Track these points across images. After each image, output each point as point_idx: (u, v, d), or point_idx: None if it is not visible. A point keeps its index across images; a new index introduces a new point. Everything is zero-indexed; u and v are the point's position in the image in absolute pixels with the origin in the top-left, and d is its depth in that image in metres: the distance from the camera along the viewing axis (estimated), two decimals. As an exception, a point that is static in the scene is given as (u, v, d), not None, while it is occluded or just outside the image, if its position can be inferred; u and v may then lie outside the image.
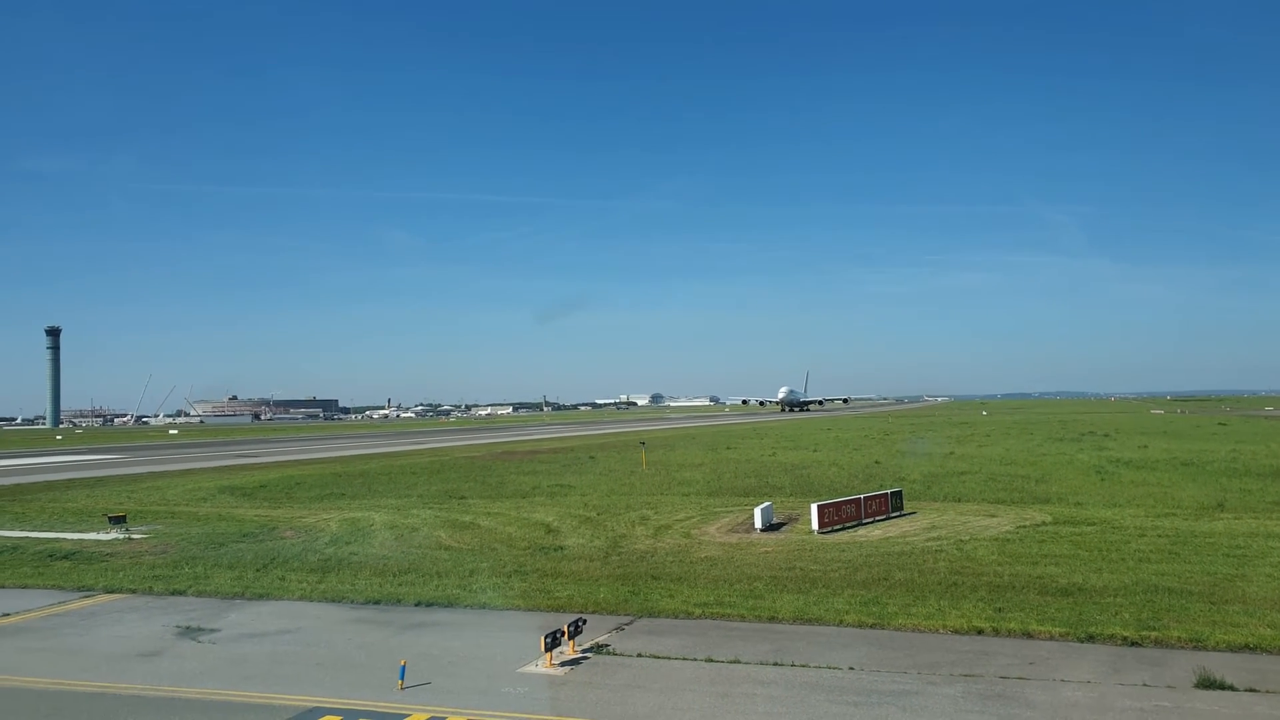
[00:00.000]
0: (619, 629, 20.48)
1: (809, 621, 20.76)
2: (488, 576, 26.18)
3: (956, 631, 19.64)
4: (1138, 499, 40.20)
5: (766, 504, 34.96)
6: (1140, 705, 14.97)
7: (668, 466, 61.08)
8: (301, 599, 24.30)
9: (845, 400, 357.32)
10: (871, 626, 20.21)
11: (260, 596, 24.63)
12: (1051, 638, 19.05)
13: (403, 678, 16.50)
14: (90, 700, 16.14)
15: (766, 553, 28.93)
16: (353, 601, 23.83)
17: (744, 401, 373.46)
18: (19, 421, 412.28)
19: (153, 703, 15.88)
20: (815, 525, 32.71)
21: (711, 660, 17.79)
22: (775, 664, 17.45)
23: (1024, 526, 32.79)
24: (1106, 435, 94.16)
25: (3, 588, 26.45)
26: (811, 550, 29.15)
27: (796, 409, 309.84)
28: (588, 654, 18.44)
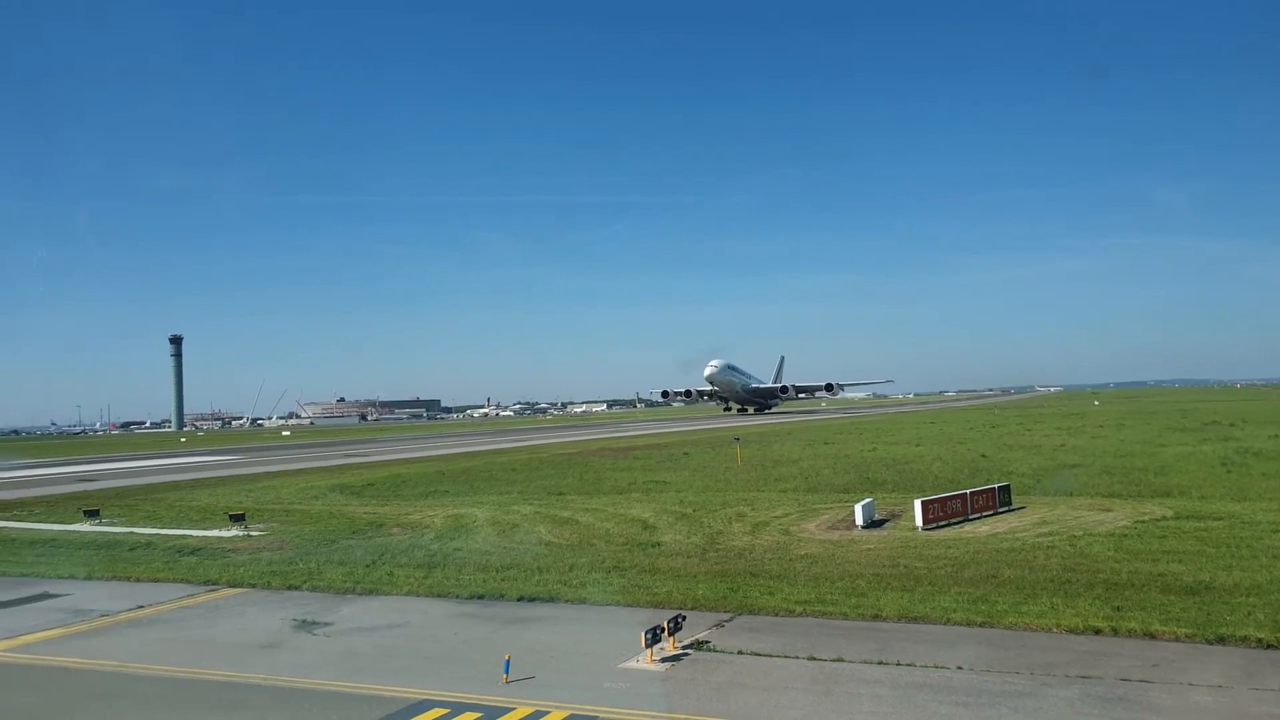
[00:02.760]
0: (719, 626, 20.39)
1: (914, 620, 20.26)
2: (587, 572, 26.45)
3: (1071, 631, 18.87)
4: (1270, 492, 37.85)
5: (868, 500, 34.30)
6: (1278, 712, 14.09)
7: (764, 462, 60.58)
8: (409, 594, 25.02)
9: (829, 389, 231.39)
10: (980, 625, 19.60)
11: (370, 591, 25.46)
12: (1176, 639, 18.09)
13: (507, 671, 16.81)
14: (218, 688, 16.97)
15: (868, 550, 28.38)
16: (458, 596, 24.40)
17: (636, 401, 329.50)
18: (147, 425, 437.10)
19: (273, 692, 16.59)
20: (919, 521, 31.93)
21: (814, 659, 17.54)
22: (880, 663, 17.09)
23: (1142, 521, 31.27)
24: (1232, 424, 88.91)
25: (139, 581, 28.02)
26: (915, 547, 28.46)
27: (744, 405, 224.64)
28: (688, 650, 18.43)
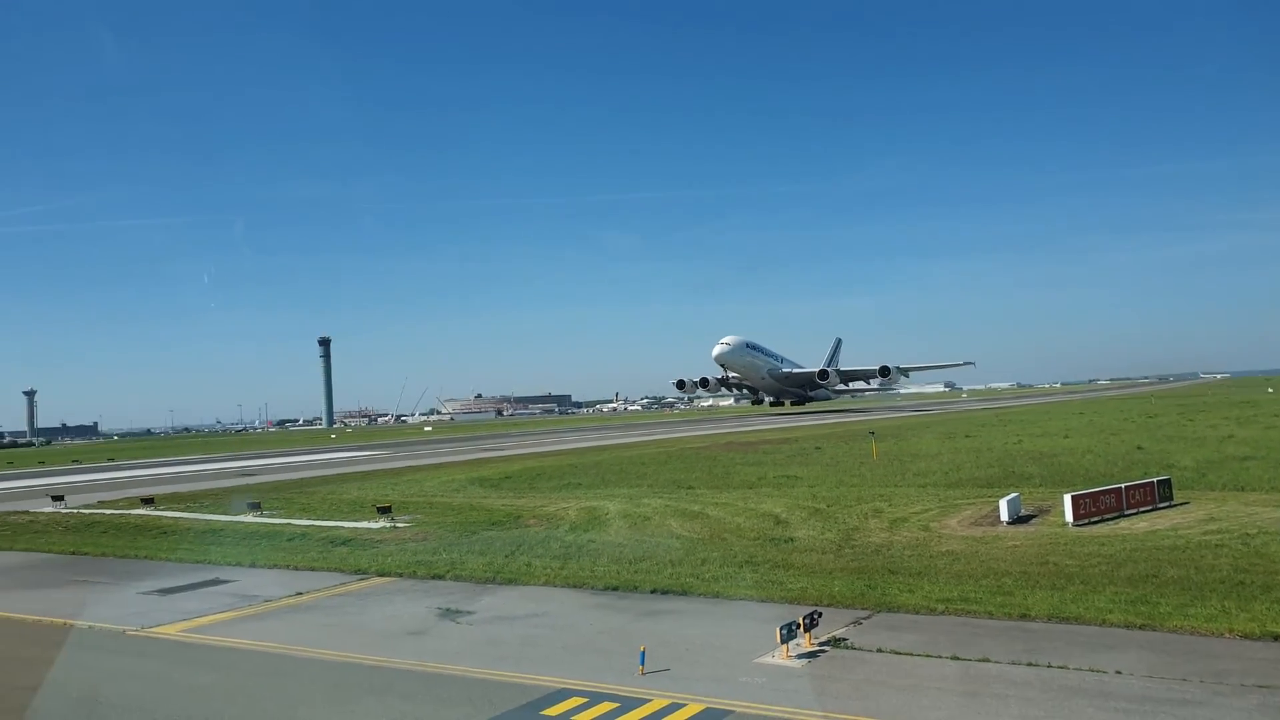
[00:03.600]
0: (856, 623, 19.97)
1: (1066, 620, 19.27)
2: (719, 566, 26.39)
3: (1246, 636, 17.51)
4: None
5: (1013, 495, 32.85)
6: None
7: (900, 457, 58.93)
8: (546, 584, 25.61)
9: (884, 373, 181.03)
10: (1140, 628, 18.44)
11: (509, 581, 26.19)
12: (1368, 647, 16.53)
13: (643, 663, 16.96)
14: (369, 672, 17.83)
15: (1015, 546, 27.18)
16: (593, 588, 24.80)
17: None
18: (300, 422, 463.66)
19: (421, 677, 17.29)
20: (1069, 517, 30.34)
21: (958, 658, 16.93)
22: (1029, 664, 16.33)
23: (1326, 519, 28.73)
24: None
25: (297, 569, 29.75)
26: (1066, 544, 27.07)
27: (778, 397, 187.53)
28: (825, 647, 18.12)
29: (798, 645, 17.89)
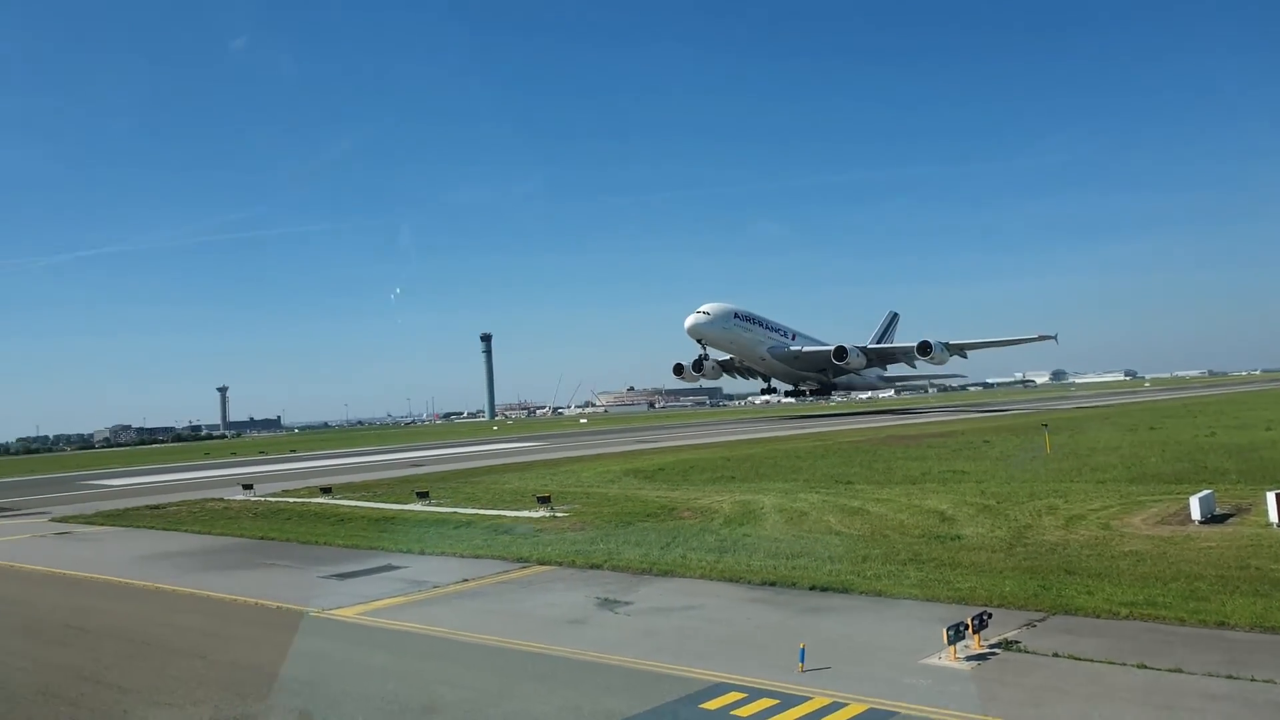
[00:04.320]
0: (1029, 625, 18.86)
1: (1273, 630, 17.54)
2: (881, 563, 25.57)
3: None
4: None
5: (1206, 492, 30.25)
6: None
7: (1076, 451, 55.47)
8: (701, 577, 25.56)
9: (924, 350, 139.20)
10: (1364, 642, 16.55)
11: (665, 573, 26.31)
12: None
13: (802, 660, 16.61)
14: (532, 659, 18.29)
15: (1208, 548, 25.00)
16: (749, 582, 24.54)
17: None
18: (464, 415, 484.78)
19: (581, 665, 17.59)
20: (1274, 517, 27.64)
21: (1145, 667, 15.68)
22: (1229, 677, 14.93)
23: None
24: None
25: (462, 556, 30.97)
26: (1270, 546, 24.67)
27: (795, 383, 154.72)
28: (995, 650, 17.20)
29: (966, 647, 17.06)
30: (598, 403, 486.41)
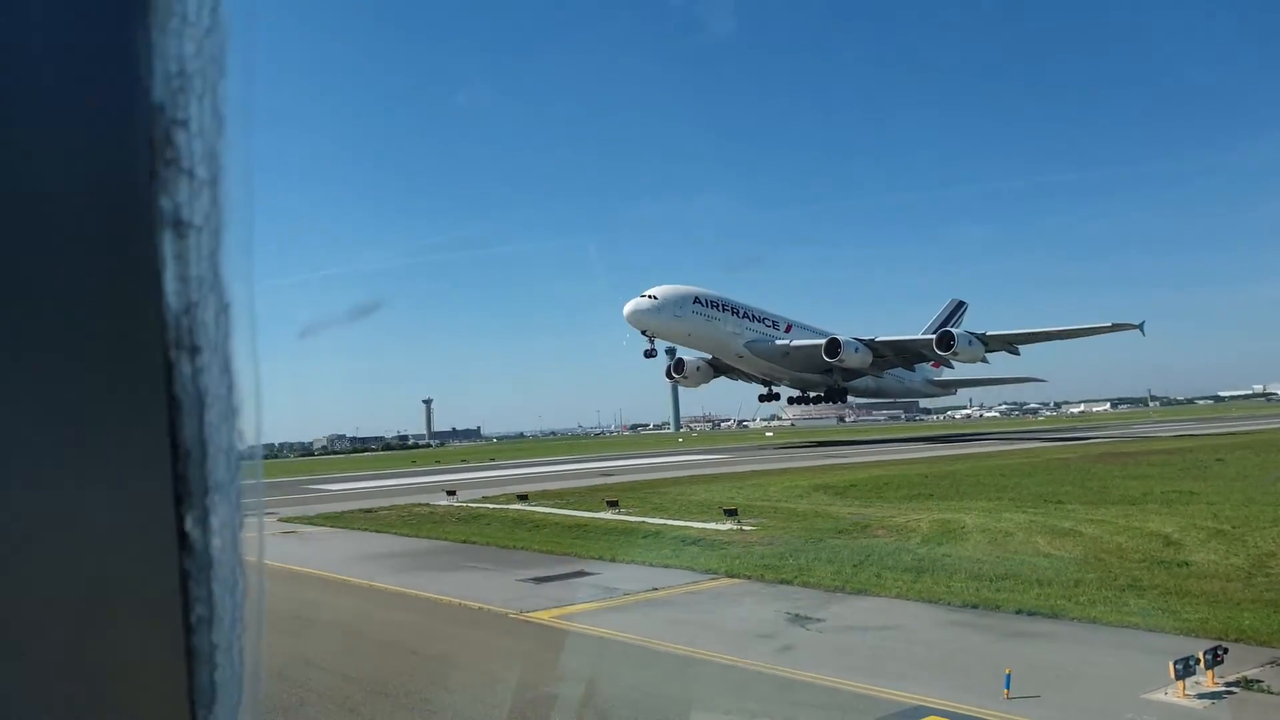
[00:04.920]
0: (1274, 664, 16.90)
1: None
2: (1096, 589, 23.71)
3: None
4: None
5: None
6: None
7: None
8: (898, 597, 24.62)
9: (944, 343, 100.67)
10: None
11: (859, 591, 25.54)
12: None
13: (1008, 686, 15.64)
14: (723, 670, 18.24)
15: None
16: (948, 604, 23.41)
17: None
18: (650, 427, 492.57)
19: (772, 680, 17.35)
20: None
21: None
22: None
23: None
24: None
25: (651, 565, 31.37)
26: None
27: (804, 387, 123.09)
28: (1233, 689, 15.53)
29: (1197, 684, 15.49)
30: (784, 416, 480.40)
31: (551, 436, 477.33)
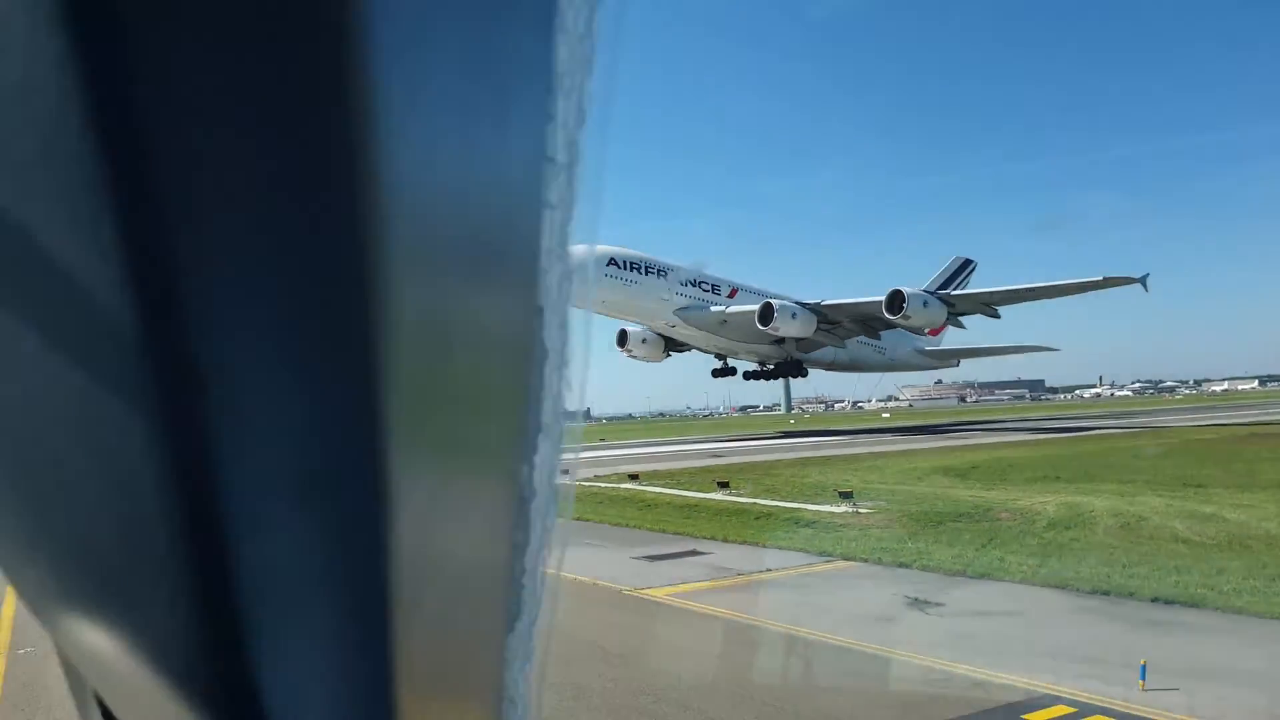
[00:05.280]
0: None
1: None
2: (1242, 578, 22.24)
3: None
4: None
5: None
6: None
7: None
8: (1022, 581, 23.73)
9: (894, 307, 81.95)
10: None
11: (980, 576, 24.75)
12: None
13: (1143, 678, 14.85)
14: (839, 652, 17.97)
15: None
16: (1076, 590, 22.42)
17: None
18: (761, 408, 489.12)
19: (893, 663, 17.00)
20: None
21: None
22: None
23: None
24: None
25: (764, 546, 31.19)
26: None
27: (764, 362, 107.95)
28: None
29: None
30: (901, 397, 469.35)
31: (660, 418, 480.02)
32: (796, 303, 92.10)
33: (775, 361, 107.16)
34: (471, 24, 0.83)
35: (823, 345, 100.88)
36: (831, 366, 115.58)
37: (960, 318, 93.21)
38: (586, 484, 56.10)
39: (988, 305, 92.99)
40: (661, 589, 24.44)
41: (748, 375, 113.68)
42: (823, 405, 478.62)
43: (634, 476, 56.38)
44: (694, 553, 30.50)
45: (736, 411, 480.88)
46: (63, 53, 0.63)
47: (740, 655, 18.41)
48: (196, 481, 0.77)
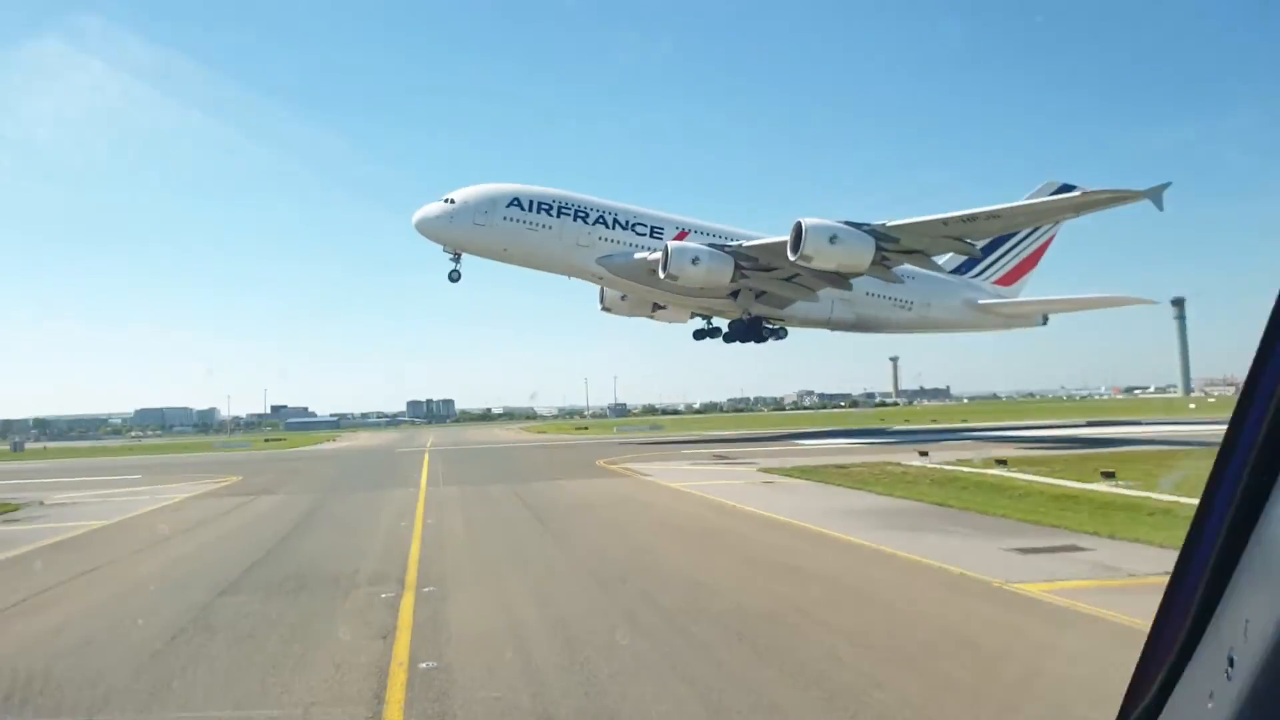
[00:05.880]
0: None
1: None
2: None
3: None
4: None
5: None
6: None
7: None
8: None
9: (795, 246, 66.73)
10: None
11: None
12: None
13: None
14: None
15: None
16: None
17: None
18: (1151, 390, 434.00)
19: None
20: None
21: None
22: None
23: None
24: None
25: (1162, 547, 27.70)
26: None
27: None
28: None
29: None
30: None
31: (1029, 398, 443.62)
32: (709, 245, 76.39)
33: (732, 319, 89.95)
34: None
35: (791, 299, 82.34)
36: (832, 326, 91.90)
37: (915, 256, 72.84)
38: (948, 468, 53.77)
39: (958, 240, 71.76)
40: (1037, 584, 22.65)
41: (698, 335, 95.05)
42: (1230, 387, 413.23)
43: (1001, 461, 52.94)
44: (1074, 548, 27.89)
45: (1120, 392, 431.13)
46: None
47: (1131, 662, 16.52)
48: None
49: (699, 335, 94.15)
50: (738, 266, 74.43)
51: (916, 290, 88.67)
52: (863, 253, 69.53)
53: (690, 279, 73.58)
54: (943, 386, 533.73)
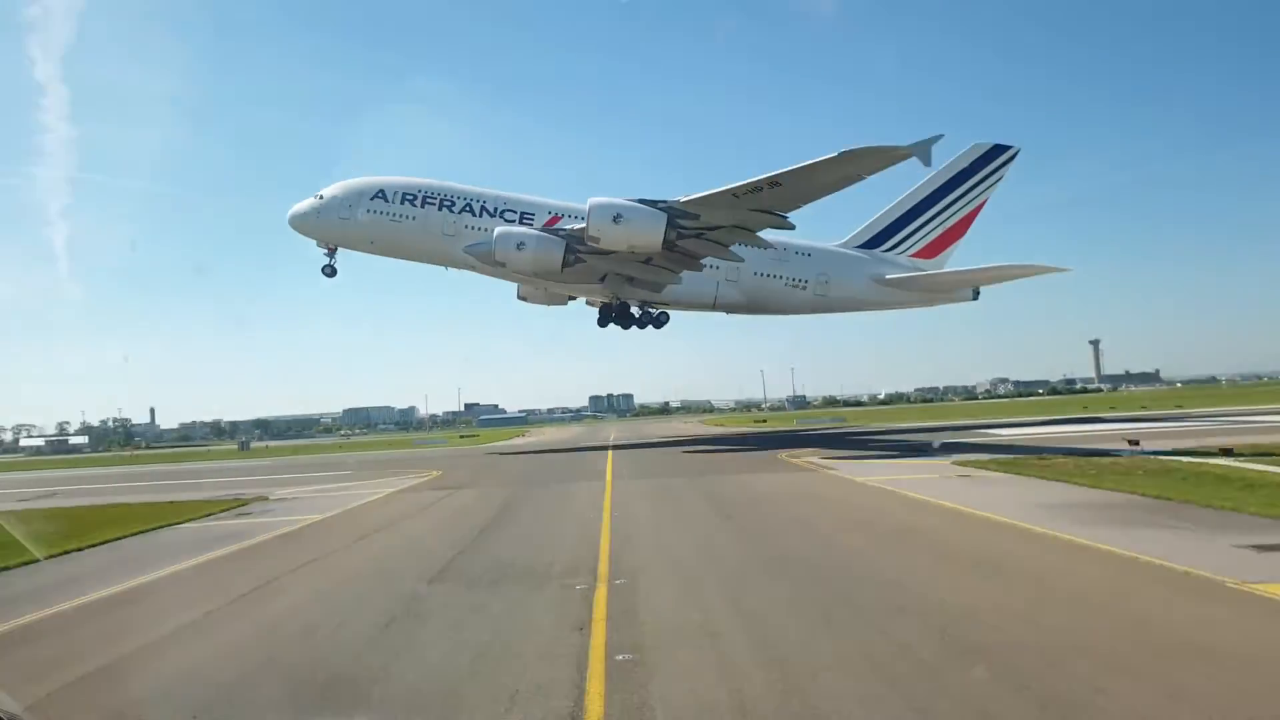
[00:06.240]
0: None
1: None
2: None
3: None
4: None
5: None
6: None
7: None
8: None
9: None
10: None
11: None
12: None
13: None
14: None
15: None
16: None
17: None
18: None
19: None
20: None
21: None
22: None
23: None
24: None
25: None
26: None
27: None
28: None
29: None
30: None
31: (1257, 381, 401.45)
32: (540, 230, 74.22)
33: (603, 303, 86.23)
34: None
35: (656, 282, 78.78)
36: (719, 308, 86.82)
37: (738, 233, 71.01)
38: (1163, 457, 49.67)
39: (766, 213, 67.80)
40: (1278, 585, 20.44)
41: (602, 322, 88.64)
42: None
43: (1227, 450, 48.26)
44: (1323, 543, 25.00)
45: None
46: None
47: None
48: None
49: (604, 323, 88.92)
50: (570, 249, 72.52)
51: (811, 267, 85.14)
52: (652, 230, 67.65)
53: (518, 264, 73.52)
54: (1151, 370, 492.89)
